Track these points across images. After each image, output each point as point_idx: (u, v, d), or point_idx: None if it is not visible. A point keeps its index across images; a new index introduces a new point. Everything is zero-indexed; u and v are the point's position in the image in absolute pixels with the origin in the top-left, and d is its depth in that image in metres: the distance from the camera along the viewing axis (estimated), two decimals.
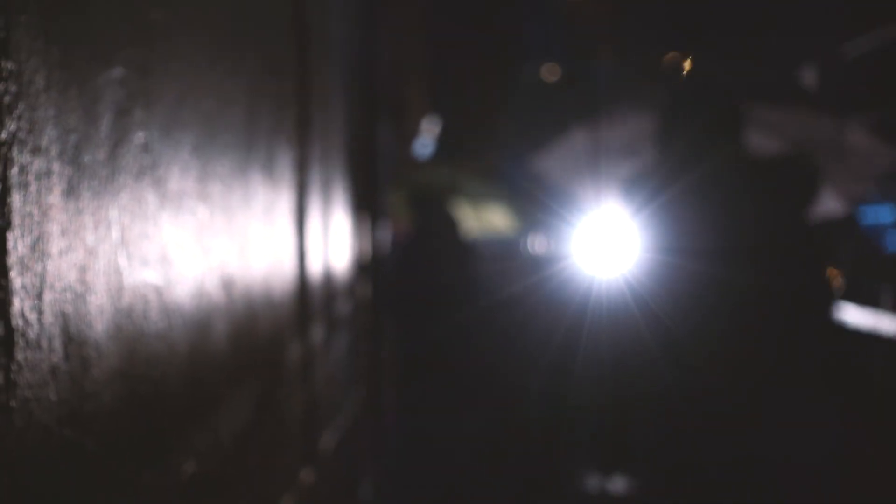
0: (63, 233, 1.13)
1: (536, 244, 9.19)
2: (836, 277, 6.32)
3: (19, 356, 1.01)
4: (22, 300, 1.01)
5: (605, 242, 7.16)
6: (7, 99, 0.99)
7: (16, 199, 1.00)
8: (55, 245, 1.10)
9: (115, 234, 1.30)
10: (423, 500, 7.19)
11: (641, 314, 5.70)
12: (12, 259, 0.99)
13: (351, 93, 4.67)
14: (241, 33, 2.10)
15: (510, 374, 8.35)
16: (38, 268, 1.06)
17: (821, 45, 5.77)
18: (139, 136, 1.43)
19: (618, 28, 9.13)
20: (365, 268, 5.40)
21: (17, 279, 1.00)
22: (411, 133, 8.73)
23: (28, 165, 1.03)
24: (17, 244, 1.01)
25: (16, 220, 1.00)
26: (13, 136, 1.00)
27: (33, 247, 1.04)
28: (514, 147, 8.85)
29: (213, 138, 1.83)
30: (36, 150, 1.06)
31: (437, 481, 7.69)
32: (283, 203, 2.57)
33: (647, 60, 8.76)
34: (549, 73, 9.17)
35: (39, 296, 1.06)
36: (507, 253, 9.12)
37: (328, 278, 3.54)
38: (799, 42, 6.82)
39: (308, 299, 2.98)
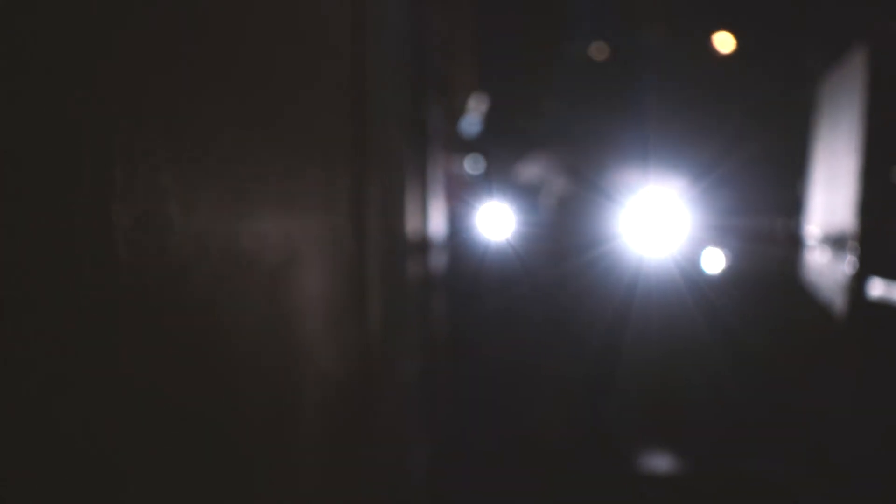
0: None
1: (587, 222, 9.17)
2: None
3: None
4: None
5: (653, 222, 7.17)
6: None
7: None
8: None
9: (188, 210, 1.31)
10: (472, 472, 7.20)
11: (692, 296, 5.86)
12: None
13: (403, 70, 4.66)
14: (301, 13, 2.10)
15: (560, 352, 8.34)
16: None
17: (872, 18, 5.66)
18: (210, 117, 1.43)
19: (669, 4, 9.05)
20: (417, 244, 5.40)
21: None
22: (459, 111, 8.70)
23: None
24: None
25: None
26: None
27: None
28: (562, 126, 8.81)
29: (279, 115, 1.83)
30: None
31: (485, 456, 7.70)
32: (340, 180, 2.57)
33: (698, 37, 8.69)
34: (598, 51, 9.11)
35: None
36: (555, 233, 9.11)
37: (383, 254, 3.54)
38: (848, 16, 6.72)
39: (365, 277, 2.98)
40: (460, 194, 8.48)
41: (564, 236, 8.29)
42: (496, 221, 8.05)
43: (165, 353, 1.20)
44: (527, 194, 8.59)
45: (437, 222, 6.56)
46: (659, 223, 7.24)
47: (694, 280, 7.51)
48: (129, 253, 1.08)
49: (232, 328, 1.52)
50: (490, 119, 9.29)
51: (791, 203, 8.06)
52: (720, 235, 8.20)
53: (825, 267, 6.68)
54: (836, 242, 6.29)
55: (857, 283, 5.68)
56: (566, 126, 8.82)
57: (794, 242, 8.03)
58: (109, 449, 1.02)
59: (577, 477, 7.20)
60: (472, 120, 9.21)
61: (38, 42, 0.88)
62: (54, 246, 0.91)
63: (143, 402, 1.13)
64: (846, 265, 5.83)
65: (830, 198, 6.62)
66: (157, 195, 1.17)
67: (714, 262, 8.23)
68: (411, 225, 5.08)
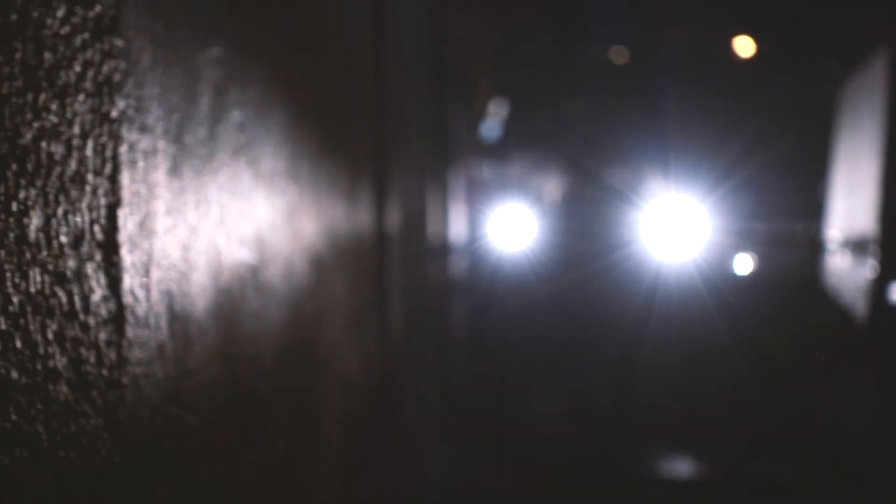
0: (168, 211, 1.13)
1: (607, 226, 9.16)
2: None
3: (129, 333, 1.02)
4: (132, 277, 1.02)
5: (674, 227, 7.15)
6: (117, 77, 1.00)
7: (125, 176, 1.01)
8: (161, 223, 1.11)
9: (214, 212, 1.31)
10: (491, 474, 7.20)
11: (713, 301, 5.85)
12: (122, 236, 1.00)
13: (424, 75, 4.67)
14: (324, 16, 2.10)
15: (579, 355, 8.34)
16: (146, 245, 1.06)
17: (894, 22, 5.62)
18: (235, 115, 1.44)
19: (686, 6, 9.03)
20: (438, 248, 5.40)
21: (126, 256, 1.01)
22: (479, 115, 8.70)
23: (136, 143, 1.04)
24: (127, 221, 1.01)
25: (126, 197, 1.01)
26: (122, 113, 1.01)
27: (141, 224, 1.05)
28: (582, 130, 8.81)
29: (302, 117, 1.84)
30: (143, 129, 1.06)
31: (503, 458, 7.69)
32: (364, 184, 2.58)
33: (718, 41, 8.68)
34: (618, 55, 9.10)
35: (147, 273, 1.07)
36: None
37: (405, 258, 3.55)
38: (870, 20, 6.66)
39: (386, 281, 2.99)
40: (480, 199, 8.48)
41: (583, 240, 8.29)
42: (515, 226, 8.05)
43: (186, 354, 1.21)
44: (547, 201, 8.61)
45: (457, 226, 6.56)
46: (679, 227, 7.22)
47: (714, 284, 7.49)
48: (137, 255, 1.08)
49: (251, 331, 1.53)
50: (510, 123, 9.28)
51: (812, 207, 8.03)
52: (741, 239, 8.18)
53: (846, 271, 6.65)
54: (857, 246, 6.26)
55: (878, 288, 5.66)
56: (585, 130, 8.81)
57: (815, 246, 7.99)
58: (129, 453, 1.02)
59: (595, 479, 7.19)
60: (492, 124, 9.21)
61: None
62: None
63: (162, 404, 1.13)
64: (867, 269, 5.81)
65: (851, 202, 6.59)
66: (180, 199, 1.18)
67: (740, 265, 8.21)
68: (432, 229, 5.08)
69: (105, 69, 0.97)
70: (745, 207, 7.95)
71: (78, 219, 0.91)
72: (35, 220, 0.83)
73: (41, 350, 0.84)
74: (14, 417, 0.79)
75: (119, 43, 1.00)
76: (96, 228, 0.95)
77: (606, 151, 8.61)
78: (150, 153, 1.08)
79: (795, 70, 8.22)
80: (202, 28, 1.29)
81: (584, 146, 8.35)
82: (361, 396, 2.56)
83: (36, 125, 0.84)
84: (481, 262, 8.18)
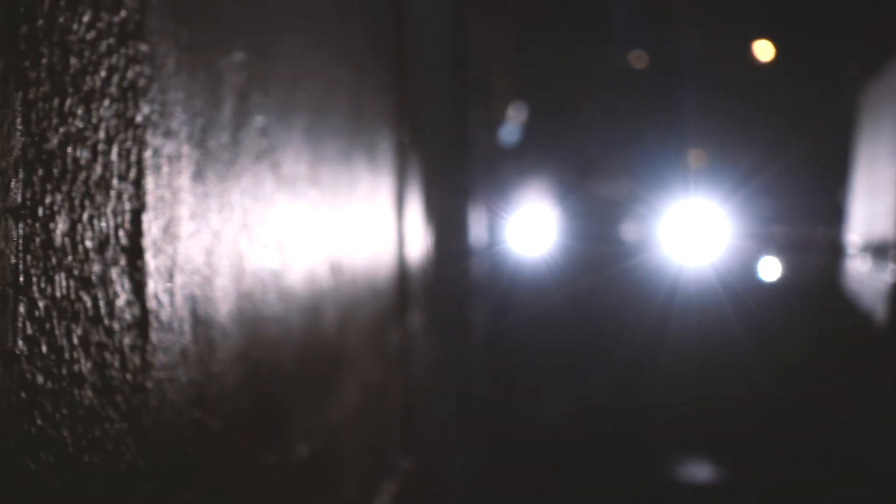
0: (191, 216, 1.14)
1: (626, 231, 9.13)
2: None
3: (153, 338, 1.02)
4: (156, 282, 1.03)
5: (692, 231, 7.13)
6: (141, 82, 1.00)
7: (149, 181, 1.02)
8: (184, 227, 1.12)
9: (237, 216, 1.32)
10: (510, 480, 7.19)
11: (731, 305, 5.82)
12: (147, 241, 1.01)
13: (444, 79, 4.67)
14: (345, 20, 2.11)
15: (595, 361, 8.32)
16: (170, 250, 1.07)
17: None
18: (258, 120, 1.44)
19: (706, 10, 9.01)
20: (458, 252, 5.39)
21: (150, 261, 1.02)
22: (498, 120, 8.69)
23: (160, 148, 1.05)
24: (151, 226, 1.02)
25: (150, 201, 1.02)
26: (147, 118, 1.01)
27: (165, 229, 1.06)
28: (601, 134, 8.80)
29: (323, 120, 1.84)
30: (167, 133, 1.07)
31: (523, 466, 7.68)
32: (384, 188, 2.58)
33: (738, 45, 8.65)
34: (637, 60, 9.09)
35: (171, 278, 1.07)
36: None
37: (425, 263, 3.54)
38: (891, 23, 6.61)
39: (407, 285, 2.99)
40: (499, 202, 8.47)
41: (602, 244, 8.29)
42: (534, 229, 8.04)
43: (210, 358, 1.21)
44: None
45: (477, 230, 6.55)
46: (698, 231, 7.21)
47: (733, 288, 7.47)
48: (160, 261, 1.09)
49: (273, 336, 1.53)
50: (529, 127, 9.28)
51: (832, 211, 8.00)
52: (760, 243, 8.15)
53: (866, 275, 6.62)
54: (877, 251, 6.23)
55: None
56: (605, 134, 8.80)
57: (835, 250, 7.96)
58: (153, 458, 1.03)
59: (613, 482, 7.18)
60: (511, 128, 9.20)
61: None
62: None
63: (186, 408, 1.14)
64: (887, 274, 5.78)
65: (872, 206, 6.56)
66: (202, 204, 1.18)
67: (766, 269, 8.19)
68: (453, 232, 5.08)
69: (130, 74, 0.97)
70: (765, 211, 7.93)
71: (103, 224, 0.91)
72: (61, 225, 0.84)
73: (66, 355, 0.85)
74: (40, 422, 0.80)
75: (143, 48, 1.00)
76: (121, 233, 0.95)
77: (626, 155, 8.61)
78: (174, 158, 1.09)
79: (816, 74, 8.19)
80: (225, 33, 1.29)
81: (603, 150, 8.34)
82: (382, 399, 2.56)
83: (62, 130, 0.84)
84: (500, 266, 8.17)
